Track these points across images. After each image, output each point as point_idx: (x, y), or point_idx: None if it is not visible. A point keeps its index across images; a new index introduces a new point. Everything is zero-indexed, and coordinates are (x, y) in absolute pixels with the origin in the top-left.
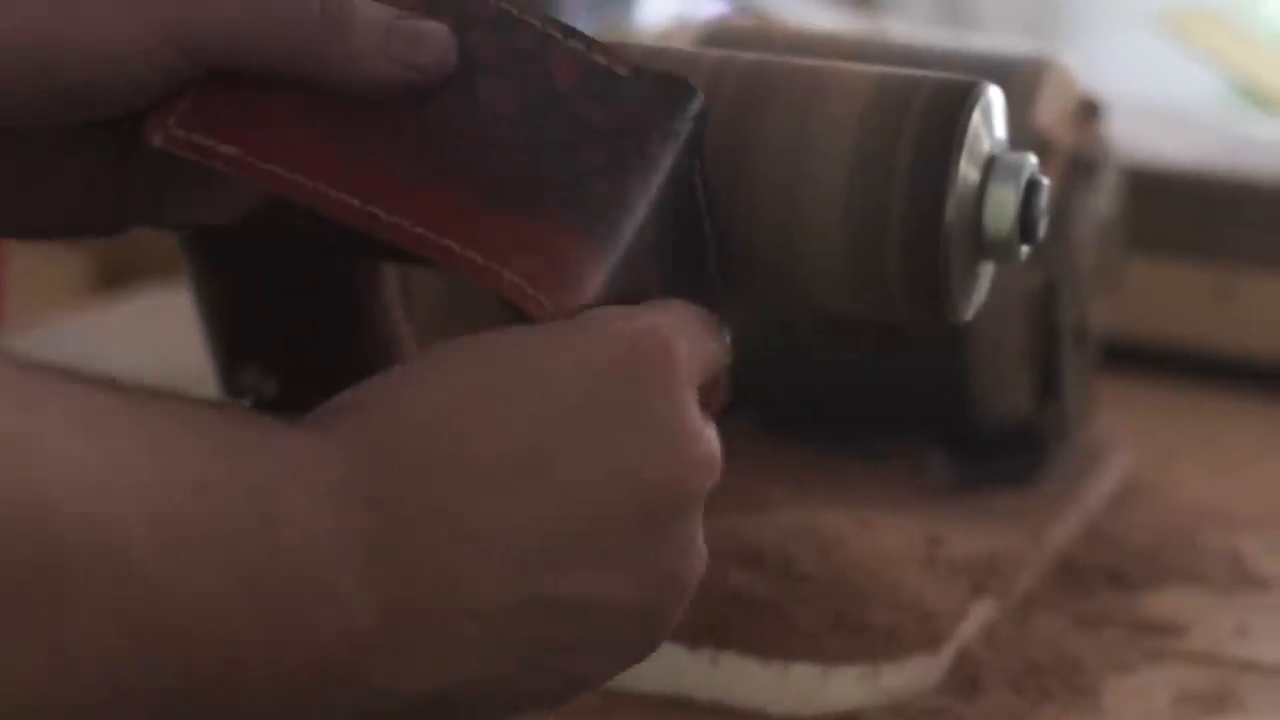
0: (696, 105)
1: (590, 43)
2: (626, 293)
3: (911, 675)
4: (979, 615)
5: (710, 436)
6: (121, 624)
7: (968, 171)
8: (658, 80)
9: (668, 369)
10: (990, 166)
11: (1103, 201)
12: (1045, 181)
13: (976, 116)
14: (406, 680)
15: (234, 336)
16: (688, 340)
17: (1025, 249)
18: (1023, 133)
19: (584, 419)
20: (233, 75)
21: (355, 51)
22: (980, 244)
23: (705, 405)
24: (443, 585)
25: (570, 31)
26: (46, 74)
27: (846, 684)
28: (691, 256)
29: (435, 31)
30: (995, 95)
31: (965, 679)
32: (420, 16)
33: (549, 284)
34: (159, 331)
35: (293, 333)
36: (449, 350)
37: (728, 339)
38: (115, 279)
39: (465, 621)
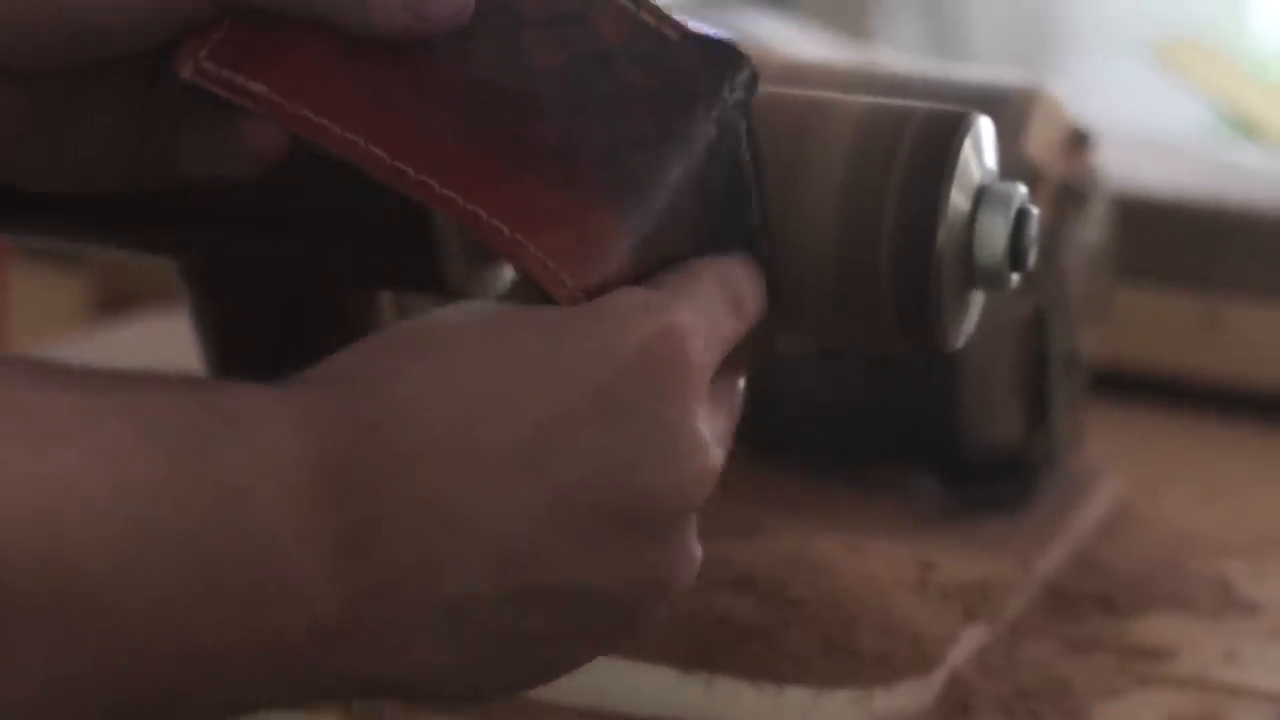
0: (746, 74)
1: (639, 2)
2: (653, 269)
3: (903, 699)
4: (970, 640)
5: (711, 448)
6: (71, 638)
7: (958, 201)
8: (706, 46)
9: (680, 375)
10: (980, 196)
11: (1092, 230)
12: (1035, 211)
13: (967, 146)
14: (370, 666)
15: (232, 360)
16: (704, 336)
17: (1015, 277)
18: (1013, 162)
19: (589, 419)
20: (262, 14)
21: None
22: (970, 273)
23: (728, 372)
24: (419, 574)
25: None
26: (50, 11)
27: (839, 708)
28: (735, 229)
29: None
30: (985, 125)
31: (956, 703)
32: None
33: (574, 262)
34: (157, 355)
35: (290, 356)
36: (458, 322)
37: (756, 308)
38: (113, 304)
39: (439, 611)
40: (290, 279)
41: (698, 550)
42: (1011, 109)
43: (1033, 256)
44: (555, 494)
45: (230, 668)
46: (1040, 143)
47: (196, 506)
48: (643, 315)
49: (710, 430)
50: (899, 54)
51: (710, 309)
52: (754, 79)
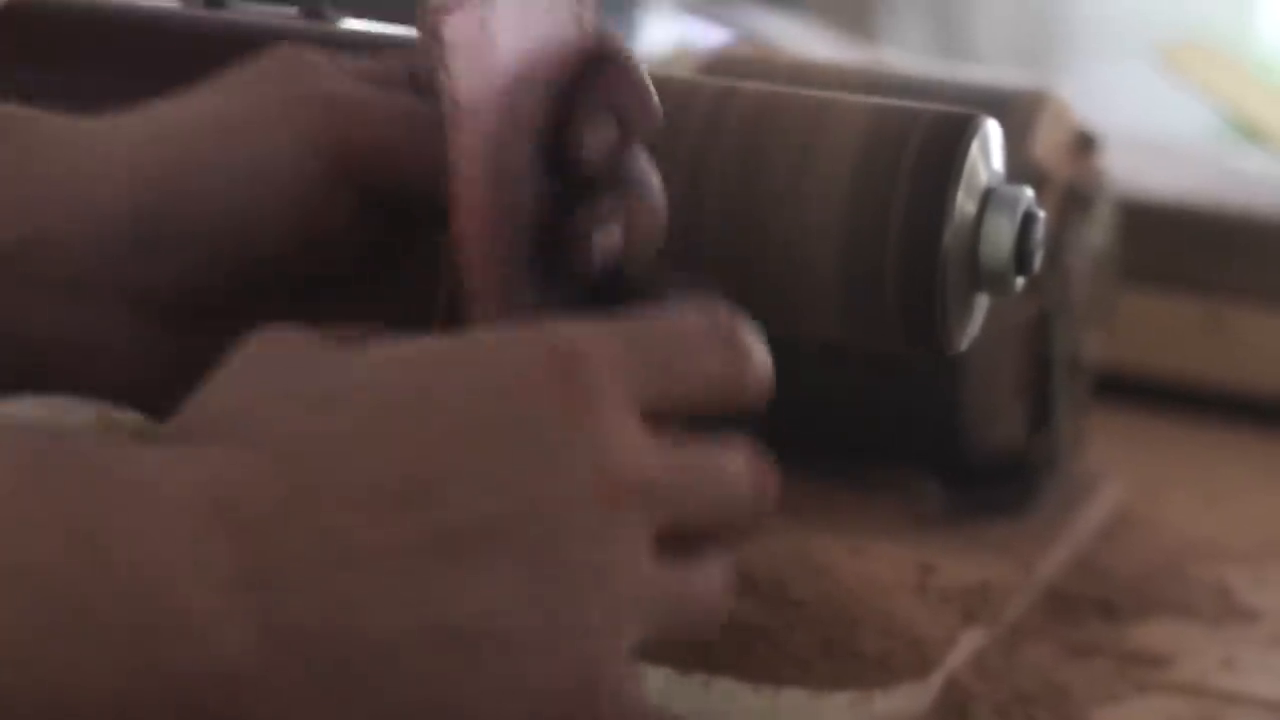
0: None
1: None
2: None
3: (902, 702)
4: (969, 643)
5: (628, 458)
6: None
7: (965, 203)
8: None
9: (572, 382)
10: (987, 198)
11: (1097, 233)
12: (1041, 214)
13: (974, 149)
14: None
15: None
16: (612, 353)
17: (1020, 281)
18: (1020, 165)
19: (467, 443)
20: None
21: None
22: (976, 275)
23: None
24: (332, 611)
25: None
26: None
27: (837, 710)
28: None
29: None
30: (993, 128)
31: (954, 707)
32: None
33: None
34: None
35: None
36: (336, 366)
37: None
38: None
39: (360, 652)
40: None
41: (637, 575)
42: (1018, 112)
43: (1038, 260)
44: (448, 520)
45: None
46: (1047, 146)
47: (49, 540)
48: (529, 337)
49: (632, 441)
50: (904, 54)
51: (629, 340)
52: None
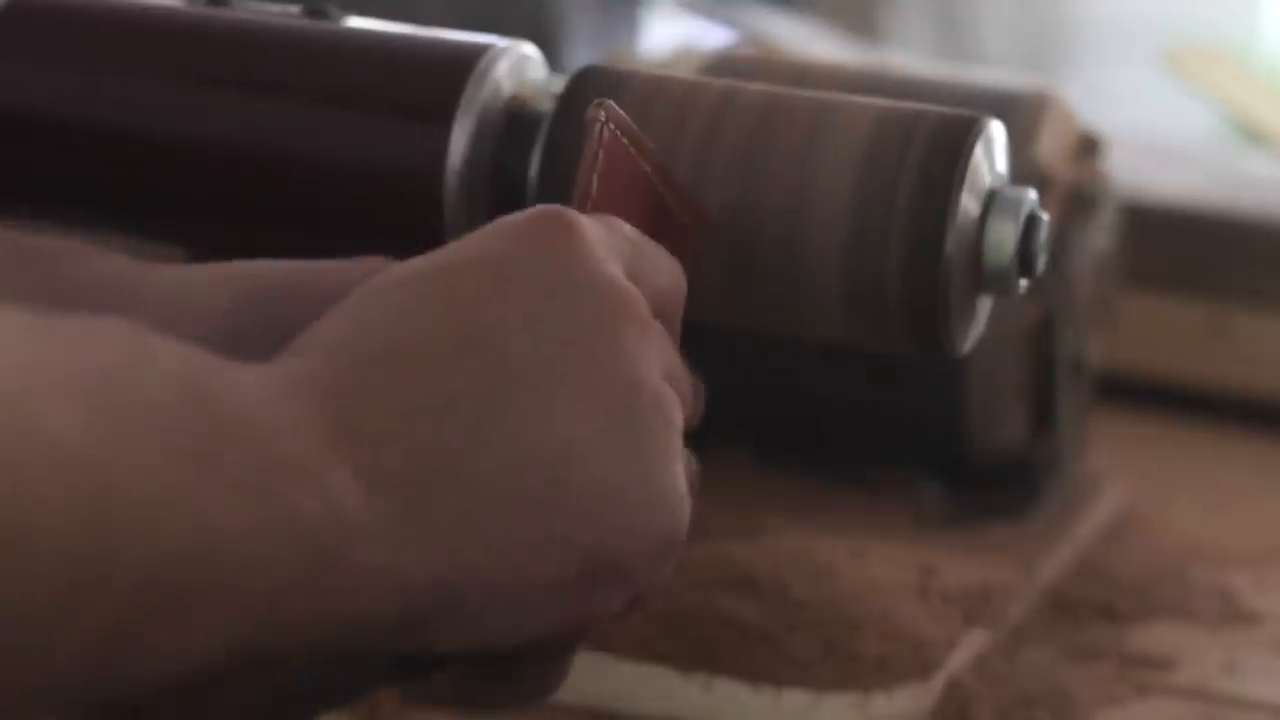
0: None
1: None
2: None
3: (902, 704)
4: (970, 646)
5: (637, 295)
6: (68, 511)
7: (968, 205)
8: None
9: (566, 234)
10: (991, 201)
11: (1100, 236)
12: (1045, 217)
13: (978, 151)
14: (405, 561)
15: None
16: (597, 229)
17: (1024, 283)
18: (1023, 167)
19: (499, 292)
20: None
21: None
22: (979, 277)
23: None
24: (417, 457)
25: None
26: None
27: (838, 712)
28: None
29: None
30: (997, 130)
31: (955, 709)
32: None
33: None
34: None
35: None
36: (364, 289)
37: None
38: None
39: (452, 490)
40: None
41: (674, 416)
42: (1022, 114)
43: (1042, 262)
44: (498, 362)
45: (250, 558)
46: (1050, 148)
47: (163, 383)
48: (521, 215)
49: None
50: (908, 56)
51: (605, 227)
52: None
